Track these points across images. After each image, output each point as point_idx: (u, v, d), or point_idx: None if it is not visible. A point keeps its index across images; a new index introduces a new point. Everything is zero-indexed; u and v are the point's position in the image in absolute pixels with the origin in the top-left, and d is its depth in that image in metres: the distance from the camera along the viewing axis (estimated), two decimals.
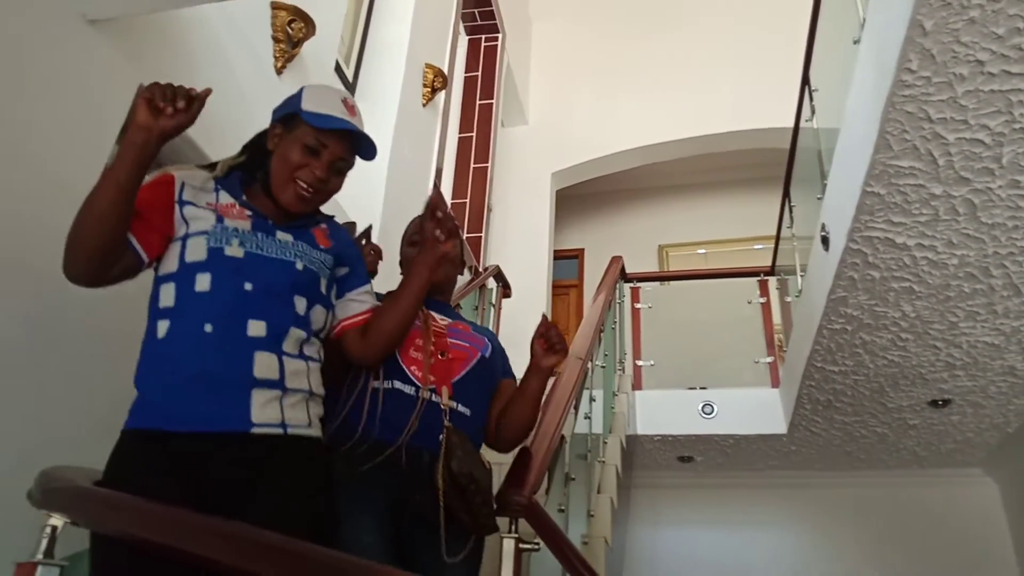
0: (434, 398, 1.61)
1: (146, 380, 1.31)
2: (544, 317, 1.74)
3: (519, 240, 6.76)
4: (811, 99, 3.88)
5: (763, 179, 7.62)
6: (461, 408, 1.65)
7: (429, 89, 4.88)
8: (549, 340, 1.68)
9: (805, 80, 3.98)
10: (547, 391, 2.65)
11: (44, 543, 1.17)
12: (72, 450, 1.77)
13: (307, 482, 1.35)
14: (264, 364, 1.32)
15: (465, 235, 5.75)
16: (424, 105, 4.84)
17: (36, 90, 1.86)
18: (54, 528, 1.19)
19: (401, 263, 1.90)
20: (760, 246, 7.31)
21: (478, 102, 6.48)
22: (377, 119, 4.22)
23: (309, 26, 3.07)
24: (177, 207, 1.37)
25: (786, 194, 4.72)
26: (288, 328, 1.37)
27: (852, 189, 2.64)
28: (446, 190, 5.73)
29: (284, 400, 1.33)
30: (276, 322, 1.35)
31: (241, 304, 1.33)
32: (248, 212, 1.42)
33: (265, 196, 1.46)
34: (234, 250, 1.35)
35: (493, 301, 5.45)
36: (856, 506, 5.05)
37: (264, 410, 1.30)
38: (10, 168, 1.78)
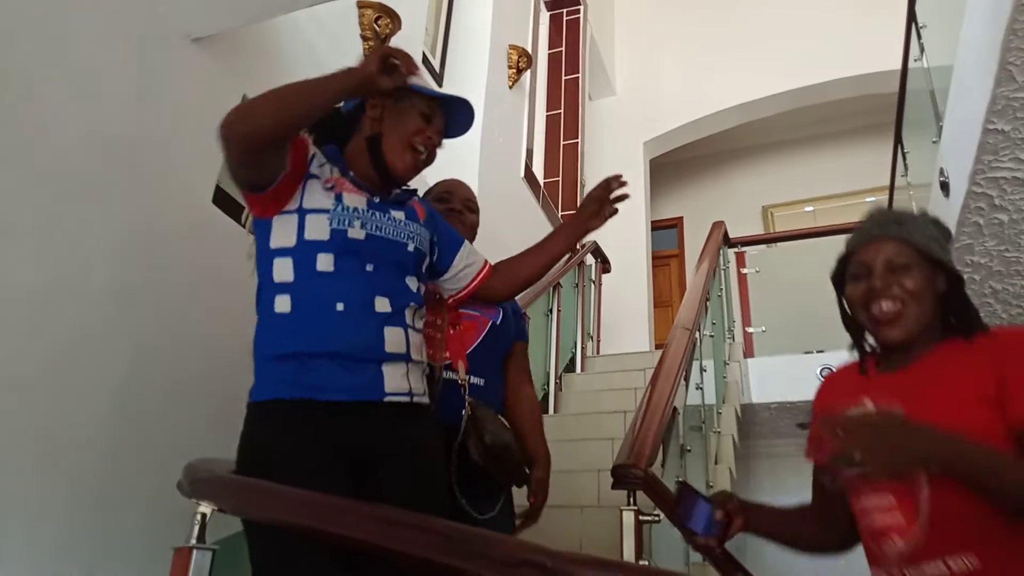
0: (449, 374, 1.65)
1: (273, 353, 1.34)
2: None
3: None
4: (919, 36, 3.63)
5: (870, 128, 7.20)
6: (474, 380, 1.71)
7: (514, 70, 4.88)
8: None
9: (911, 16, 3.72)
10: (656, 363, 2.63)
11: (196, 529, 1.26)
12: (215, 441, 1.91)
13: (437, 446, 1.47)
14: (395, 339, 1.38)
15: (560, 213, 5.74)
16: (510, 87, 4.86)
17: (151, 110, 1.99)
18: (203, 515, 1.27)
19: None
20: (872, 199, 6.92)
21: (564, 78, 6.42)
22: None
23: (395, 21, 3.13)
24: (305, 178, 1.41)
25: (898, 140, 4.44)
26: (409, 303, 1.44)
27: (972, 128, 2.46)
28: (538, 169, 5.73)
29: (410, 372, 1.41)
30: (398, 298, 1.41)
31: (367, 284, 1.38)
32: (360, 188, 1.46)
33: (367, 166, 1.48)
34: (356, 232, 1.39)
35: (593, 277, 5.44)
36: None
37: (394, 382, 1.37)
38: (132, 183, 1.93)
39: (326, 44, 2.81)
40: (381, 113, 1.48)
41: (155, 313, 1.93)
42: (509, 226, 4.33)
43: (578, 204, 5.88)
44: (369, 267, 1.39)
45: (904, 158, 4.34)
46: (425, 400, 1.46)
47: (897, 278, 1.18)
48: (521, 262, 1.67)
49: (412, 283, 1.47)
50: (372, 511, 1.01)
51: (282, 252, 1.38)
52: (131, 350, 1.85)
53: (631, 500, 1.82)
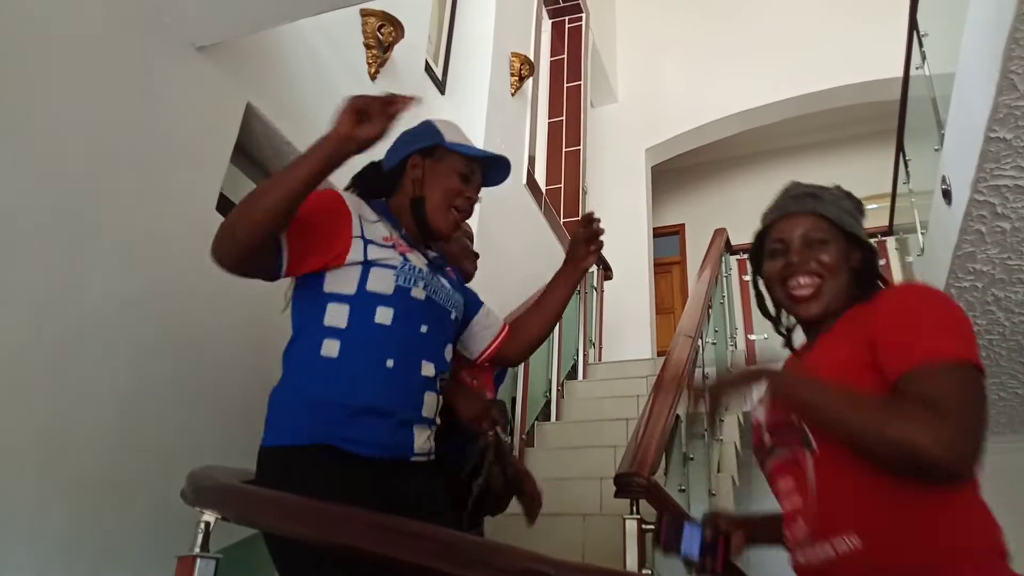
0: None
1: (311, 397, 1.31)
2: (589, 213, 1.65)
3: (617, 220, 6.65)
4: (920, 44, 3.64)
5: (872, 135, 7.21)
6: None
7: (517, 78, 4.90)
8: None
9: (913, 24, 3.73)
10: (658, 370, 2.63)
11: (200, 538, 1.25)
12: (215, 450, 1.91)
13: (443, 494, 1.46)
14: (430, 404, 1.41)
15: (561, 220, 5.75)
16: (513, 95, 4.87)
17: (154, 116, 2.00)
18: (207, 524, 1.27)
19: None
20: (874, 206, 6.90)
21: (566, 85, 6.44)
22: (468, 115, 4.27)
23: (398, 29, 3.14)
24: (361, 243, 1.37)
25: (900, 148, 4.45)
26: (444, 370, 1.46)
27: (974, 136, 2.46)
28: (540, 176, 5.74)
29: (431, 435, 1.44)
30: (440, 363, 1.44)
31: (419, 345, 1.40)
32: (415, 249, 1.47)
33: (411, 223, 1.50)
34: (418, 292, 1.40)
35: (595, 284, 5.44)
36: (996, 473, 4.71)
37: (421, 443, 1.39)
38: (133, 187, 1.93)
39: (330, 52, 2.83)
40: (423, 174, 1.49)
41: (155, 314, 1.93)
42: (511, 233, 4.33)
43: (579, 211, 5.94)
44: (424, 328, 1.41)
45: (906, 165, 4.35)
46: (433, 457, 1.46)
47: (814, 253, 1.19)
48: (528, 324, 1.70)
49: (448, 352, 1.49)
50: (374, 519, 1.01)
51: (339, 298, 1.35)
52: (131, 351, 1.85)
53: (634, 508, 1.82)
